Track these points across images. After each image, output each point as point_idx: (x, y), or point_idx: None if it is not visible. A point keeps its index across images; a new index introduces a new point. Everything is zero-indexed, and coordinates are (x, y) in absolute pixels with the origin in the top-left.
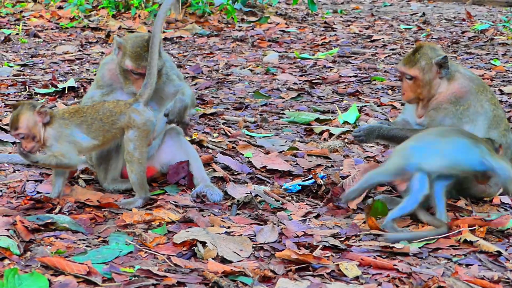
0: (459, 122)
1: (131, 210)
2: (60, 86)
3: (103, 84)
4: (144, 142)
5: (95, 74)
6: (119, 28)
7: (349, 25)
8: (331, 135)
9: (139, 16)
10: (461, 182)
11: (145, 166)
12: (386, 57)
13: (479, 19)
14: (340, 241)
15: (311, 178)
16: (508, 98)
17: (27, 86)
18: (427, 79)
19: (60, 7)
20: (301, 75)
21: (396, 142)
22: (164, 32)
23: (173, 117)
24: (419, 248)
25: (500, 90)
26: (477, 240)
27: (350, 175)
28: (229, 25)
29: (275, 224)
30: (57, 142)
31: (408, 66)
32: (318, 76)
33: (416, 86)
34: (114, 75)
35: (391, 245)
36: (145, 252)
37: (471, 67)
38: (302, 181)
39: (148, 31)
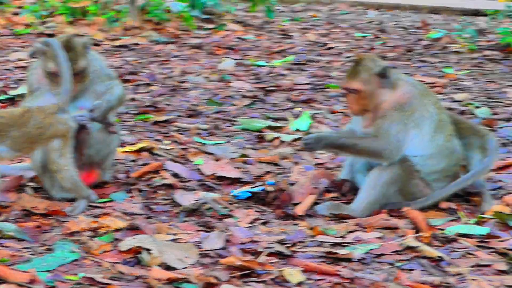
0: (405, 128)
1: (77, 217)
2: (12, 93)
3: (32, 90)
4: (69, 148)
5: None
6: (77, 35)
7: (306, 33)
8: (282, 142)
9: (95, 22)
10: (407, 186)
11: (75, 169)
12: (341, 64)
13: (434, 28)
14: (286, 247)
15: (260, 185)
16: (459, 106)
17: None
18: (370, 90)
19: (15, 13)
20: (255, 83)
21: (344, 151)
22: (120, 39)
23: (96, 115)
24: (364, 253)
25: (451, 97)
26: (420, 246)
27: (299, 181)
28: (186, 32)
29: (221, 231)
30: None
31: (350, 80)
32: (272, 84)
33: (361, 99)
34: (42, 79)
35: (335, 251)
36: (90, 260)
37: (424, 75)
38: (252, 188)
39: (79, 35)
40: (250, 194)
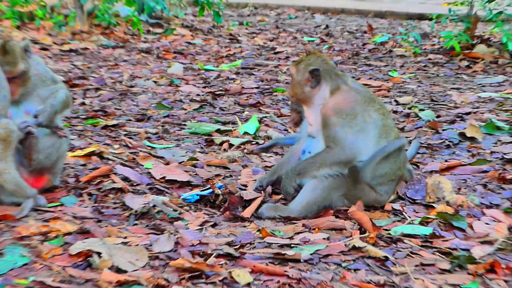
0: (351, 131)
1: (27, 221)
2: None
3: None
4: (9, 152)
5: None
6: (23, 39)
7: (254, 37)
8: (231, 145)
9: (43, 27)
10: (353, 192)
11: (16, 171)
12: (288, 68)
13: (380, 32)
14: (234, 249)
15: (209, 188)
16: (403, 109)
17: None
18: (298, 81)
19: None
20: (204, 87)
21: (308, 175)
22: (69, 43)
23: (42, 119)
24: (311, 254)
25: (396, 100)
26: (365, 246)
27: (247, 184)
28: (135, 37)
29: (171, 233)
30: None
31: (292, 64)
32: (221, 88)
33: (292, 85)
34: None
35: (283, 252)
36: (40, 264)
37: (370, 79)
38: (201, 191)
39: (55, 42)
40: (199, 197)
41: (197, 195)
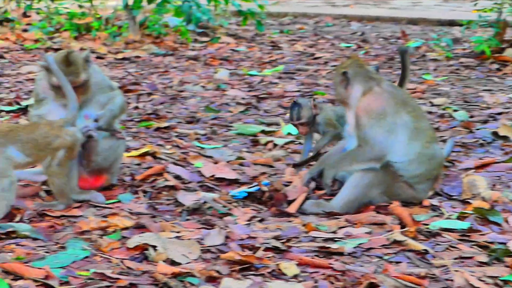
0: (382, 131)
1: (87, 217)
2: (23, 103)
3: (38, 99)
4: (68, 159)
5: None
6: (81, 49)
7: (294, 44)
8: (275, 145)
9: (99, 37)
10: (392, 189)
11: (66, 179)
12: (327, 73)
13: (413, 37)
14: (281, 242)
15: (256, 185)
16: (438, 110)
17: None
18: (336, 83)
19: (25, 30)
20: (249, 91)
21: (338, 170)
22: (122, 52)
23: (101, 123)
24: (354, 248)
25: (430, 102)
26: (406, 240)
27: (291, 181)
28: (183, 45)
29: (221, 228)
30: None
31: (334, 71)
32: (264, 91)
33: (334, 87)
34: (47, 89)
35: (327, 246)
36: (100, 257)
37: None
38: (248, 188)
39: (109, 52)
40: (246, 194)
41: (245, 192)
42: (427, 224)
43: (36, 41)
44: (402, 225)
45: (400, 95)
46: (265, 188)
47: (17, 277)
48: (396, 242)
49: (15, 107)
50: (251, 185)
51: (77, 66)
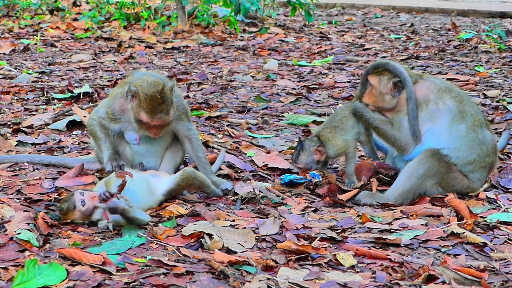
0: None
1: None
2: (76, 91)
3: (113, 118)
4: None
5: (108, 81)
6: (130, 38)
7: (343, 35)
8: None
9: (148, 27)
10: (446, 180)
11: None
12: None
13: (463, 29)
14: (336, 233)
15: (305, 177)
16: (491, 102)
17: (45, 92)
18: (380, 91)
19: (75, 19)
20: (299, 81)
21: (370, 127)
22: (171, 42)
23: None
24: (410, 239)
25: (484, 94)
26: (464, 232)
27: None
28: (232, 35)
29: (276, 217)
30: None
31: (372, 75)
32: (314, 82)
33: (371, 94)
34: (124, 111)
35: (383, 237)
36: (156, 244)
37: (457, 73)
38: (296, 177)
39: (159, 41)
40: (292, 177)
41: (294, 179)
42: (484, 217)
43: (86, 30)
44: (459, 217)
45: (443, 82)
46: (314, 180)
47: (75, 262)
48: (453, 234)
49: (67, 94)
50: (299, 177)
51: (168, 104)
